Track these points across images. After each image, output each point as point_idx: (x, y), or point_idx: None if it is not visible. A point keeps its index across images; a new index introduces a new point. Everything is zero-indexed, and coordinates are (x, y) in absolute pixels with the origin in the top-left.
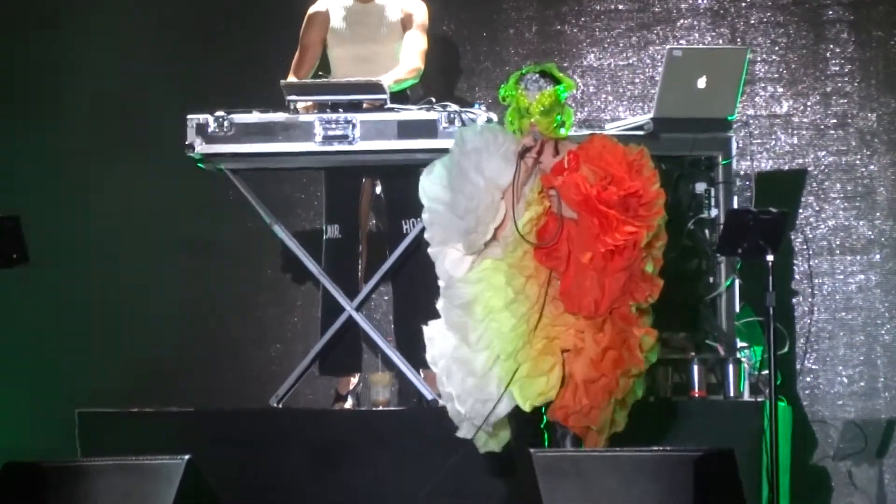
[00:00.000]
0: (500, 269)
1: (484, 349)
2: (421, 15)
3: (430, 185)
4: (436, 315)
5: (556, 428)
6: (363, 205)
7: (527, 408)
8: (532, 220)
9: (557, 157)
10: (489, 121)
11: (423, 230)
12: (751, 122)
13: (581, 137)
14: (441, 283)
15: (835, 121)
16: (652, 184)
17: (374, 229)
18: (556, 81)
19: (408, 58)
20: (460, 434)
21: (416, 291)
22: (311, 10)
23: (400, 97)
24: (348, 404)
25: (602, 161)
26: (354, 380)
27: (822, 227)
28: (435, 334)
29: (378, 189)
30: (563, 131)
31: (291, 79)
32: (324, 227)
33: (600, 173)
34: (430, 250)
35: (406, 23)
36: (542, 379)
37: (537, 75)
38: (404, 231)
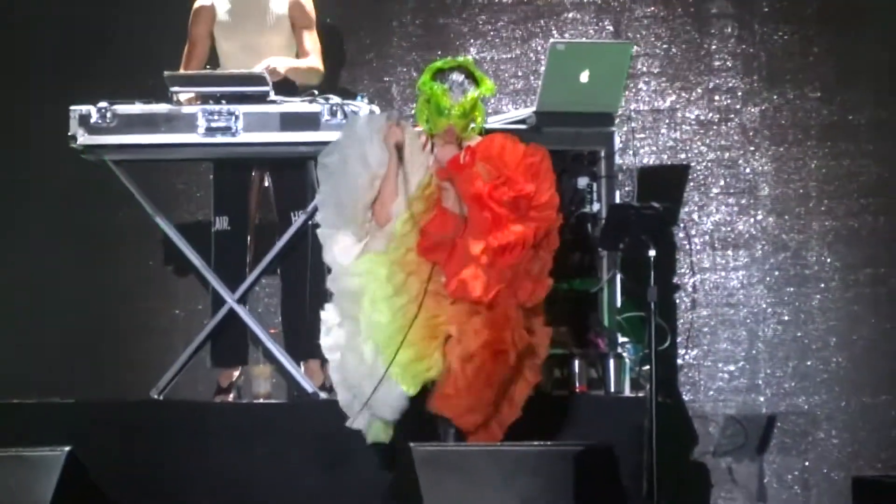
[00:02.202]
0: (383, 262)
1: (369, 339)
2: (310, 9)
3: (324, 168)
4: (322, 303)
5: (439, 424)
6: (252, 197)
7: (410, 392)
8: (411, 219)
9: (452, 151)
10: (371, 113)
11: (308, 223)
12: (634, 116)
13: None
14: (330, 269)
15: (718, 116)
16: (546, 188)
17: (261, 221)
18: (476, 81)
19: (309, 59)
20: (352, 424)
21: (301, 283)
22: (197, 4)
23: (288, 89)
24: (230, 397)
25: (499, 161)
26: (236, 372)
27: (705, 222)
28: (331, 321)
29: (267, 181)
30: (474, 130)
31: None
32: (212, 220)
33: (494, 172)
34: (318, 231)
35: (295, 17)
36: (423, 361)
37: (462, 77)
38: (293, 222)
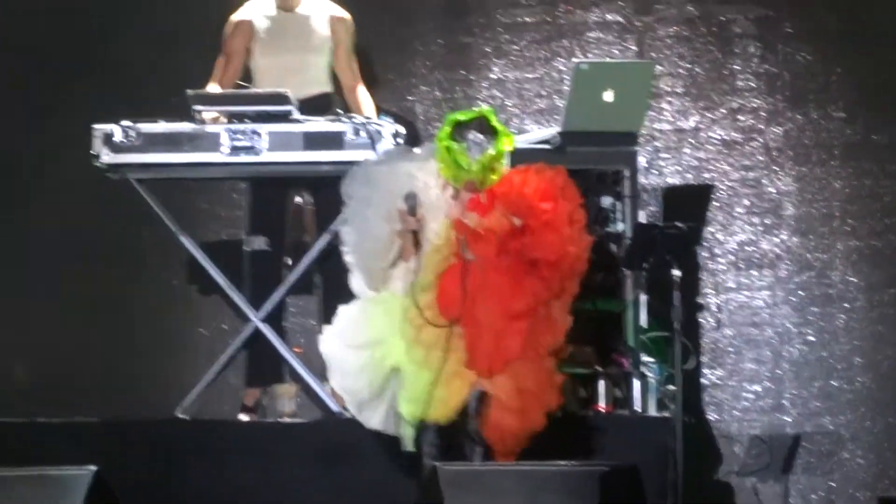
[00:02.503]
0: (398, 304)
1: (364, 349)
2: (351, 33)
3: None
4: None
5: (465, 443)
6: (289, 217)
7: (416, 418)
8: (432, 289)
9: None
10: (396, 133)
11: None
12: (657, 136)
13: None
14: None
15: (742, 136)
16: (564, 237)
17: (296, 241)
18: (495, 133)
19: (363, 94)
20: (369, 423)
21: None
22: (234, 17)
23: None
24: (254, 416)
25: (520, 205)
26: (260, 391)
27: (729, 242)
28: (328, 334)
29: (297, 199)
30: (494, 179)
31: (212, 87)
32: (245, 238)
33: (514, 220)
34: (346, 257)
35: (339, 39)
36: (447, 404)
37: (481, 135)
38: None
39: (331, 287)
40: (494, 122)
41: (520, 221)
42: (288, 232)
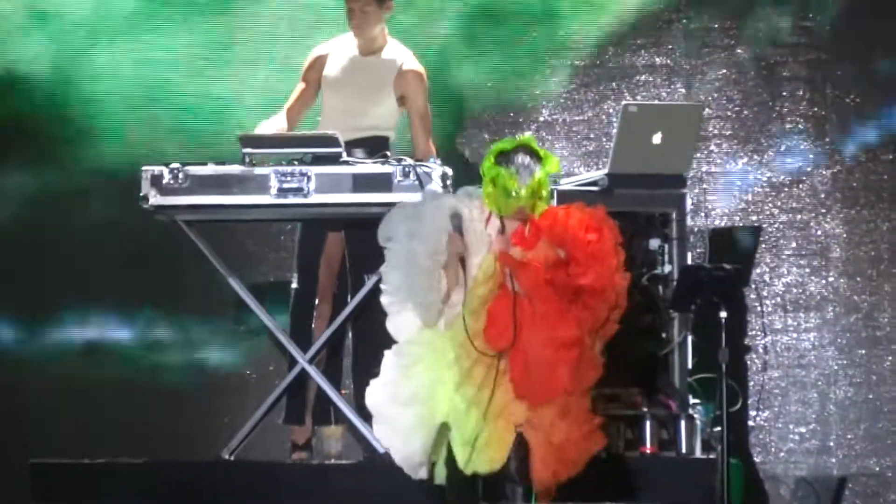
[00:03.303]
0: (445, 340)
1: (411, 405)
2: (423, 86)
3: (390, 246)
4: None
5: (507, 483)
6: (325, 257)
7: (468, 471)
8: (479, 321)
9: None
10: (444, 175)
11: (378, 282)
12: (705, 178)
13: None
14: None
15: (789, 178)
16: (608, 267)
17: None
18: (539, 157)
19: (422, 147)
20: (417, 475)
21: (375, 342)
22: (316, 50)
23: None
24: (306, 454)
25: (564, 237)
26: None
27: (777, 284)
28: (375, 383)
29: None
30: (542, 206)
31: (281, 114)
32: (296, 277)
33: (558, 251)
34: (383, 299)
35: (405, 91)
36: (493, 449)
37: (528, 158)
38: (365, 283)
39: (361, 332)
40: (536, 147)
41: (564, 253)
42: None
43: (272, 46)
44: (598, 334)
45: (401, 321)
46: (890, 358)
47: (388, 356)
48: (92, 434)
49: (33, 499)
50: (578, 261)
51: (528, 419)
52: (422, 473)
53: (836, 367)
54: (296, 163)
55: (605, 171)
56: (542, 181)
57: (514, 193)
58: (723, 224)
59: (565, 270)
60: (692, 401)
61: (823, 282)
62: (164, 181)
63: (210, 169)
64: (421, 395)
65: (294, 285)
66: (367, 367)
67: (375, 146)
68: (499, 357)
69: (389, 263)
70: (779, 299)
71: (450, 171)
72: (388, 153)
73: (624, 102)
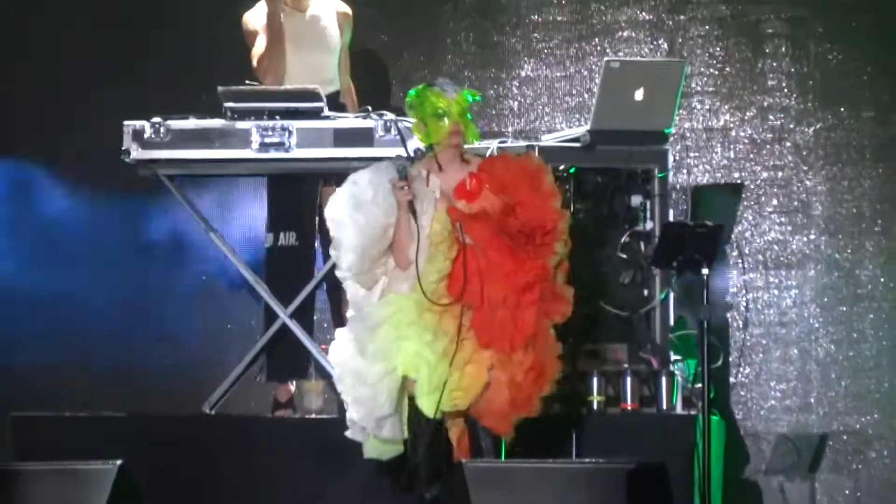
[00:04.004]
0: (410, 301)
1: (379, 361)
2: (352, 26)
3: (331, 218)
4: None
5: (478, 434)
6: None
7: (433, 414)
8: (441, 276)
9: (458, 174)
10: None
11: None
12: (688, 135)
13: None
14: (351, 308)
15: (772, 135)
16: (553, 205)
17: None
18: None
19: (348, 84)
20: (348, 434)
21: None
22: (250, 16)
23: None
24: (288, 412)
25: (505, 184)
26: (293, 387)
27: (758, 241)
28: (339, 340)
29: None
30: (473, 136)
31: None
32: (269, 235)
33: (503, 198)
34: (337, 273)
35: (344, 32)
36: (461, 392)
37: (447, 80)
38: None
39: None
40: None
41: (509, 199)
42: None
43: None
44: (555, 272)
45: (356, 293)
46: (871, 316)
47: (353, 318)
48: (72, 387)
49: (14, 453)
50: (524, 203)
51: (497, 360)
52: (386, 430)
53: (816, 325)
54: (277, 117)
55: (588, 127)
56: (466, 102)
57: (444, 110)
58: (705, 181)
59: (514, 215)
60: (673, 357)
61: (805, 239)
62: (146, 135)
63: (191, 123)
64: (385, 351)
65: (283, 242)
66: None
67: (336, 102)
68: (461, 311)
69: (339, 245)
70: (760, 257)
71: None
72: (370, 108)
73: (606, 58)
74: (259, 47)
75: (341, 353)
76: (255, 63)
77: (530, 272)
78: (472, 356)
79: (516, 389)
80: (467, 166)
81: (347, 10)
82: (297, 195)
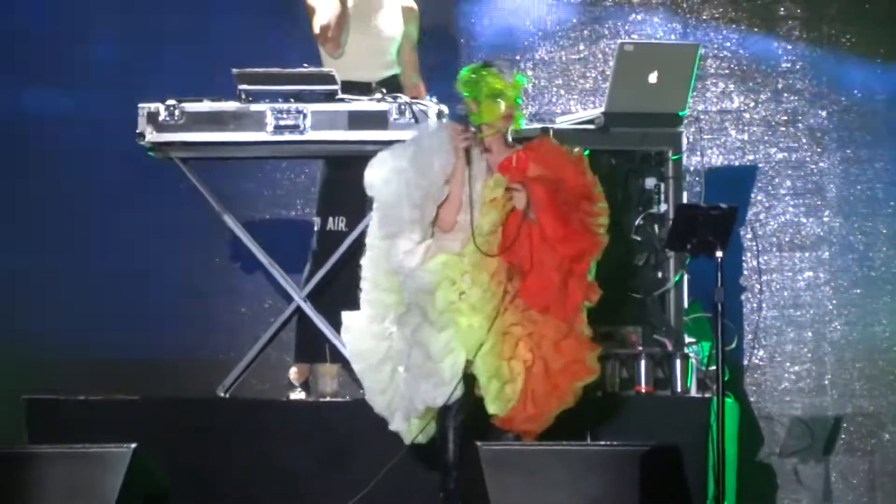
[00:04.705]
0: (459, 265)
1: (443, 331)
2: (418, 23)
3: (379, 177)
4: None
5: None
6: None
7: (493, 410)
8: (495, 227)
9: (503, 154)
10: (440, 113)
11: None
12: (701, 117)
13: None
14: (391, 264)
15: (785, 117)
16: (596, 185)
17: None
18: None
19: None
20: (393, 427)
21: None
22: None
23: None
24: (303, 394)
25: (549, 164)
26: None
27: (772, 223)
28: (355, 325)
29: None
30: (519, 124)
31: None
32: (317, 219)
33: (549, 174)
34: (379, 242)
35: (407, 29)
36: (509, 387)
37: (505, 61)
38: None
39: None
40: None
41: (552, 175)
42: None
43: None
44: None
45: (402, 255)
46: (885, 298)
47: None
48: (85, 371)
49: (28, 436)
50: (568, 180)
51: (530, 344)
52: (439, 399)
53: (830, 307)
54: (292, 100)
55: (602, 109)
56: (520, 86)
57: (501, 91)
58: (719, 163)
59: (562, 189)
60: (687, 340)
61: (819, 221)
62: (161, 118)
63: (206, 105)
64: (447, 322)
65: (332, 227)
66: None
67: (397, 85)
68: (508, 278)
69: (381, 197)
70: (774, 239)
71: (446, 109)
72: (384, 90)
73: (620, 41)
74: (322, 17)
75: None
76: (316, 30)
77: (584, 241)
78: (515, 327)
79: (548, 380)
80: (512, 148)
81: (412, 4)
82: (350, 180)
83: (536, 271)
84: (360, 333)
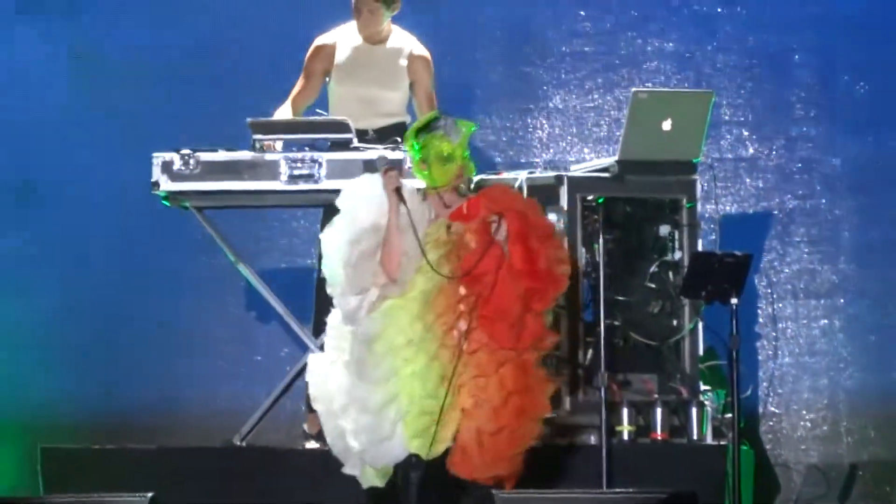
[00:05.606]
0: (405, 307)
1: (381, 386)
2: (430, 71)
3: (324, 236)
4: None
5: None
6: None
7: (426, 455)
8: (442, 256)
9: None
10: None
11: None
12: (716, 165)
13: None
14: (340, 319)
15: (800, 165)
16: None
17: None
18: (454, 119)
19: None
20: (346, 470)
21: None
22: (319, 40)
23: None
24: (318, 444)
25: (503, 206)
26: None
27: (787, 270)
28: (318, 370)
29: None
30: (471, 173)
31: (286, 106)
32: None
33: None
34: (328, 289)
35: (416, 74)
36: (445, 430)
37: (447, 120)
38: None
39: None
40: (448, 115)
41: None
42: None
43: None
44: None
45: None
46: None
47: (342, 331)
48: (101, 420)
49: (44, 485)
50: (526, 213)
51: (475, 398)
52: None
53: (845, 354)
54: (307, 149)
55: (616, 157)
56: (467, 141)
57: (449, 153)
58: (733, 211)
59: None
60: (703, 387)
61: (833, 268)
62: (175, 167)
63: (220, 155)
64: (386, 375)
65: None
66: None
67: (401, 132)
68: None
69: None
70: (789, 286)
71: None
72: (398, 139)
73: (634, 89)
74: (301, 81)
75: (339, 381)
76: (291, 94)
77: (549, 279)
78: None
79: (495, 420)
80: (464, 197)
81: (424, 53)
82: None
83: (497, 297)
84: (322, 377)
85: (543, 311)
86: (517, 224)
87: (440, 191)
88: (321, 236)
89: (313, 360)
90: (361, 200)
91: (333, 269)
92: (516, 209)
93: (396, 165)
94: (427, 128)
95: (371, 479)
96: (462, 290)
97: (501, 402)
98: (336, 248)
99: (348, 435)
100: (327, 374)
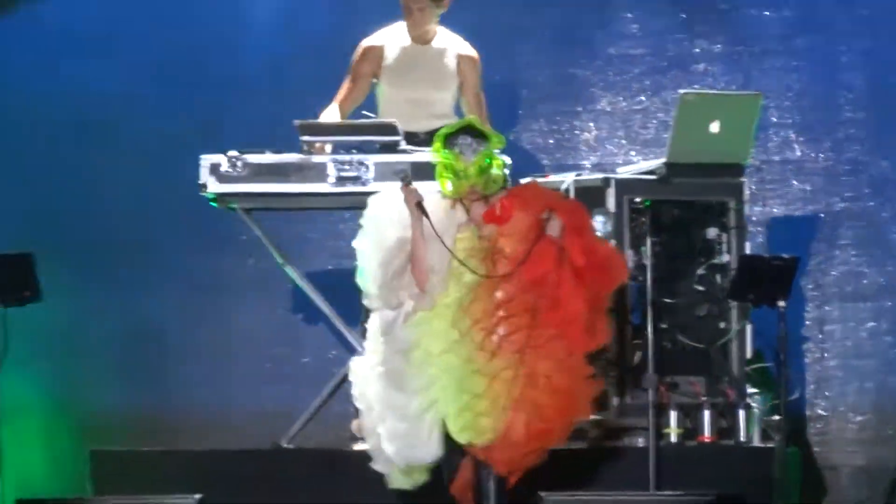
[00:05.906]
0: (440, 315)
1: (419, 394)
2: (478, 71)
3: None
4: None
5: (479, 466)
6: None
7: (461, 440)
8: (476, 263)
9: (486, 204)
10: (503, 164)
11: None
12: (763, 167)
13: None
14: (379, 330)
15: (848, 167)
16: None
17: None
18: (484, 136)
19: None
20: (376, 467)
21: None
22: (366, 42)
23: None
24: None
25: (536, 204)
26: None
27: (834, 273)
28: (360, 372)
29: None
30: (496, 184)
31: (332, 108)
32: None
33: (537, 217)
34: (365, 302)
35: (466, 75)
36: (487, 419)
37: (469, 138)
38: None
39: None
40: (480, 127)
41: (546, 214)
42: None
43: None
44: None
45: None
46: None
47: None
48: (149, 422)
49: (93, 487)
50: (563, 207)
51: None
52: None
53: (893, 356)
54: (354, 151)
55: (663, 160)
56: (490, 157)
57: (461, 173)
58: (781, 213)
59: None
60: (750, 390)
61: (881, 270)
62: (223, 169)
63: (268, 157)
64: (424, 383)
65: None
66: None
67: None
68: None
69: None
70: (836, 289)
71: (508, 160)
72: None
73: (682, 91)
74: (348, 83)
75: (375, 387)
76: (338, 97)
77: (612, 268)
78: (504, 371)
79: (541, 418)
80: (490, 200)
81: (472, 53)
82: None
83: (567, 300)
84: (363, 378)
85: (607, 308)
86: (570, 217)
87: (462, 197)
88: (355, 247)
89: (356, 362)
90: (384, 220)
91: (368, 289)
92: (564, 204)
93: (404, 170)
94: (449, 140)
95: (399, 480)
96: (499, 294)
97: (548, 399)
98: (369, 271)
99: (383, 439)
100: (367, 377)
